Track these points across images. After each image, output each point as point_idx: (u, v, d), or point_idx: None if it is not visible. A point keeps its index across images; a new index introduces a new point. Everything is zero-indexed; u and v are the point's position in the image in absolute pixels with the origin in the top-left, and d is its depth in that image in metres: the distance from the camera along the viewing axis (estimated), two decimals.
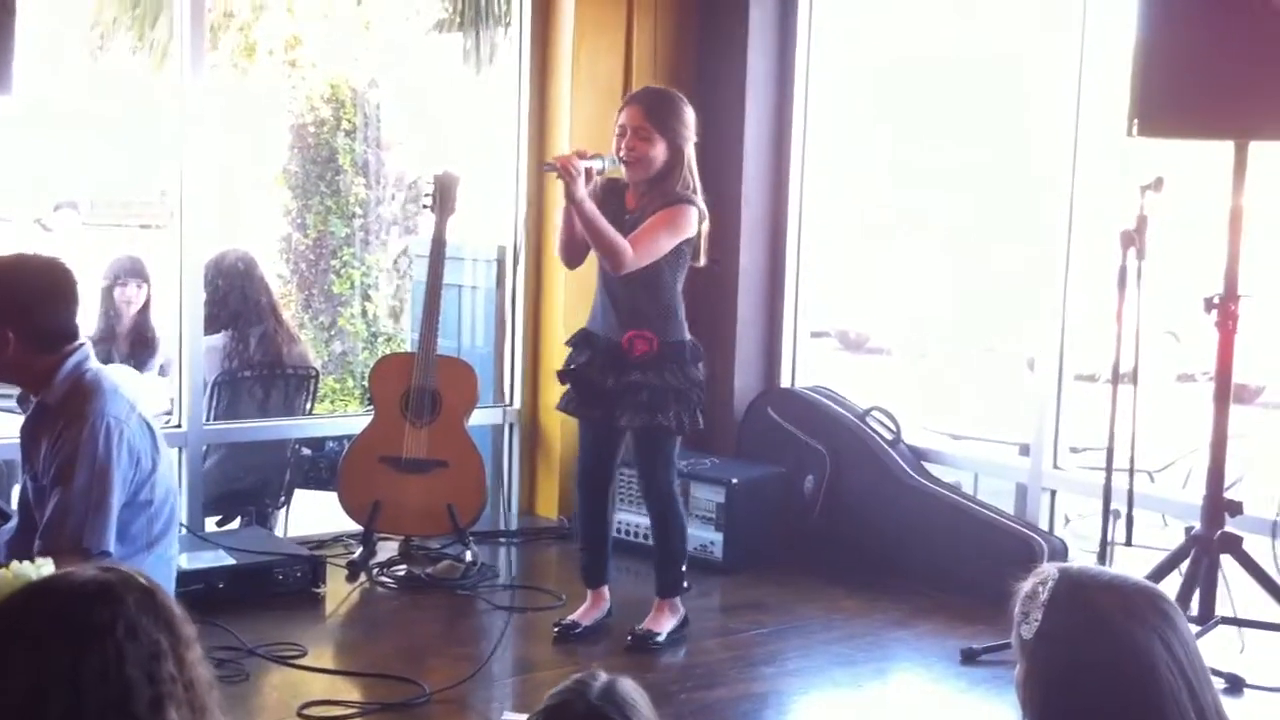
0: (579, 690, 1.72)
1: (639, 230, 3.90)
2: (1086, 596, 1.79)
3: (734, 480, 4.90)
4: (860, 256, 11.01)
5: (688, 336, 4.06)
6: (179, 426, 4.80)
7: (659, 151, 3.93)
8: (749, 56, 5.35)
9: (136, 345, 5.34)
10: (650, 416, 3.98)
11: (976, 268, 11.18)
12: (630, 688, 1.74)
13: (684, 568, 4.23)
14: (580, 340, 4.14)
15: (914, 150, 10.82)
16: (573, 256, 4.08)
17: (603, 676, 1.74)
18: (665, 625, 4.14)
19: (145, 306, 5.36)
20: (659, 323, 3.99)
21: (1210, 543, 3.86)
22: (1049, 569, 1.85)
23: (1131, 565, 3.83)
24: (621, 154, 3.93)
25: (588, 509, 4.24)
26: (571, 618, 4.19)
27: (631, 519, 4.93)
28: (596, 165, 3.87)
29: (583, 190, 3.79)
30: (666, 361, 3.99)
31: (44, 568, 1.71)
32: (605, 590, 4.25)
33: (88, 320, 5.13)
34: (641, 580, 4.50)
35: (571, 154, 3.84)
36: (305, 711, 3.55)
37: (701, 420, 4.09)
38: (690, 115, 4.01)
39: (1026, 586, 1.85)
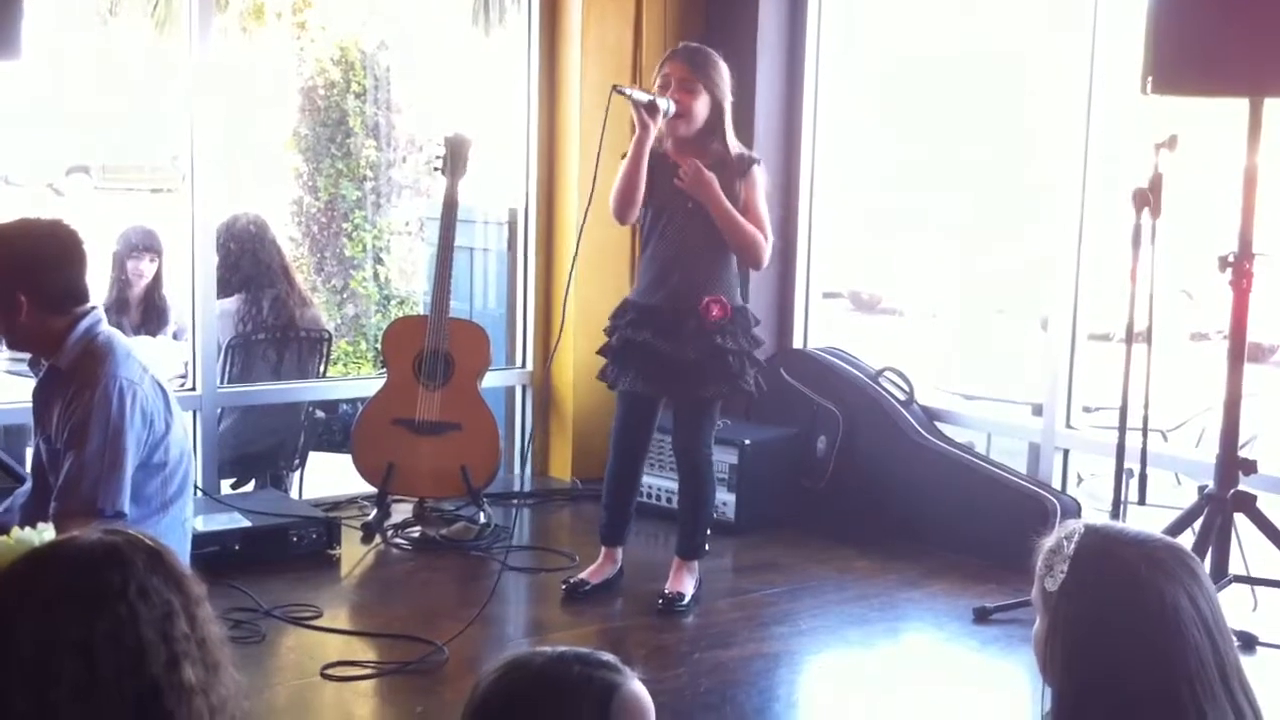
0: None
1: (749, 215, 3.96)
2: (1113, 550, 1.79)
3: (747, 441, 4.90)
4: (869, 234, 11.00)
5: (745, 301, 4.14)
6: (193, 390, 4.81)
7: (703, 104, 3.96)
8: (759, 20, 5.31)
9: (148, 314, 5.34)
10: (735, 383, 4.01)
11: (978, 255, 11.20)
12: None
13: (709, 531, 4.25)
14: (637, 314, 4.05)
15: (918, 132, 10.76)
16: (628, 211, 3.99)
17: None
18: (689, 586, 4.16)
19: (156, 278, 5.36)
20: (729, 289, 4.02)
21: (1224, 501, 3.86)
22: (1074, 524, 1.84)
23: (1145, 524, 3.82)
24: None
25: (620, 473, 4.20)
26: (580, 576, 4.21)
27: (657, 482, 4.93)
28: (664, 105, 3.90)
29: (721, 195, 3.89)
30: (737, 326, 4.01)
31: (45, 533, 1.70)
32: (618, 551, 4.27)
33: (99, 287, 5.15)
34: (657, 542, 4.52)
35: (693, 160, 3.90)
36: (328, 672, 3.57)
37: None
38: (727, 71, 4.04)
39: (1050, 541, 1.84)
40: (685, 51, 4.05)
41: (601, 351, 4.18)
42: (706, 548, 4.25)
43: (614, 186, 3.97)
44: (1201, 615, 1.74)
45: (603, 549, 4.25)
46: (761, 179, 4.02)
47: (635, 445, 4.19)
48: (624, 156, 3.95)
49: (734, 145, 4.02)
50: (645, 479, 4.89)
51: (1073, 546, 1.80)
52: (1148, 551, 1.78)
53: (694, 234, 3.96)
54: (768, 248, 4.00)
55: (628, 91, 3.89)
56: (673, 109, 3.90)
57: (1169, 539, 1.85)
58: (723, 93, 3.98)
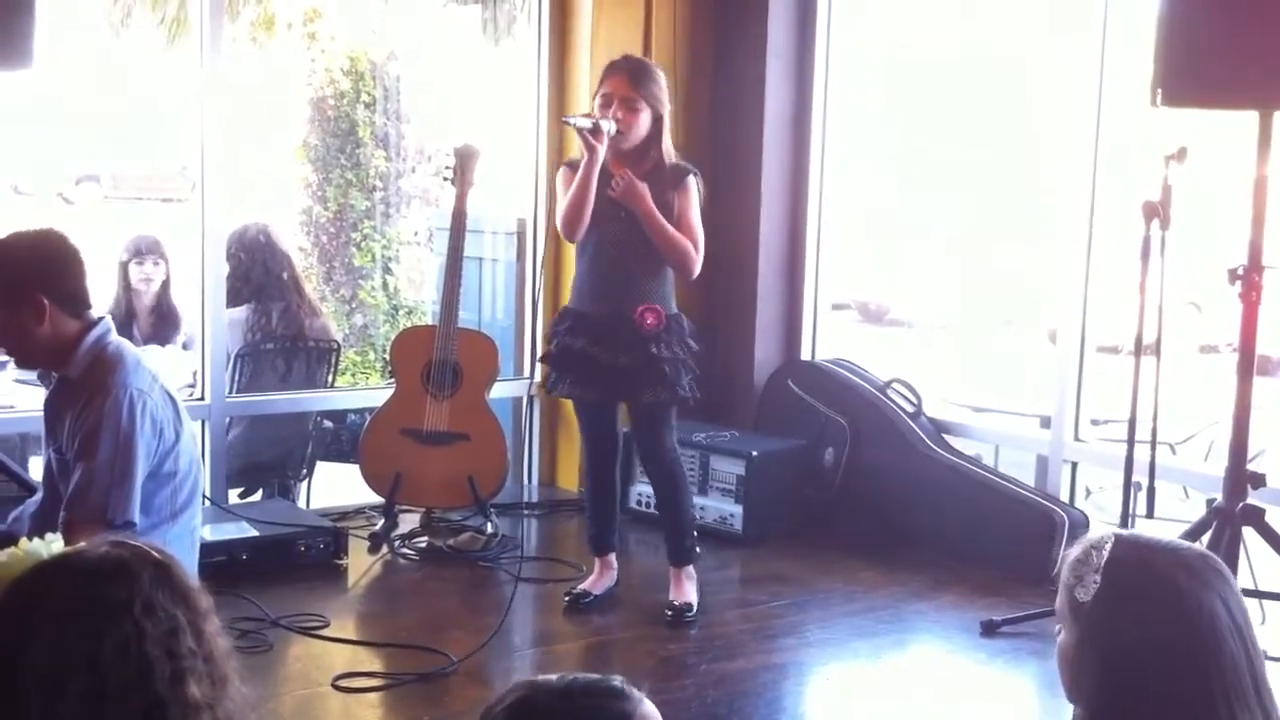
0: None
1: (682, 225, 3.99)
2: (1147, 559, 1.76)
3: (754, 453, 4.90)
4: (876, 241, 10.99)
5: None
6: (202, 399, 4.82)
7: (644, 119, 4.00)
8: (769, 26, 5.32)
9: (159, 322, 5.36)
10: (672, 390, 4.02)
11: (984, 265, 11.18)
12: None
13: (695, 533, 4.25)
14: (573, 321, 4.10)
15: (923, 140, 10.76)
16: (577, 230, 4.06)
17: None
18: (693, 594, 4.16)
19: (165, 284, 5.37)
20: (663, 297, 4.05)
21: (1232, 515, 3.84)
22: (1101, 534, 1.80)
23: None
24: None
25: (596, 481, 4.26)
26: (582, 586, 4.22)
27: (651, 490, 4.93)
28: (606, 127, 3.94)
29: (650, 205, 3.94)
30: (673, 334, 4.05)
31: (54, 544, 1.70)
32: (612, 558, 4.29)
33: (107, 296, 5.17)
34: (658, 551, 4.51)
35: (625, 171, 3.95)
36: (340, 683, 3.57)
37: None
38: (664, 81, 4.08)
39: (1076, 552, 1.80)
40: (625, 65, 4.08)
41: (543, 359, 4.25)
42: (698, 550, 4.25)
43: (563, 206, 4.03)
44: (1236, 623, 1.72)
45: (596, 559, 4.27)
46: (696, 189, 4.04)
47: (602, 452, 4.23)
48: (565, 164, 4.09)
49: (670, 155, 4.06)
50: (639, 487, 4.93)
51: (1104, 556, 1.76)
52: (1181, 559, 1.76)
53: (629, 243, 4.00)
54: (698, 258, 4.04)
55: (572, 121, 3.98)
56: (614, 129, 3.95)
57: (1198, 547, 1.82)
58: (662, 105, 4.03)
